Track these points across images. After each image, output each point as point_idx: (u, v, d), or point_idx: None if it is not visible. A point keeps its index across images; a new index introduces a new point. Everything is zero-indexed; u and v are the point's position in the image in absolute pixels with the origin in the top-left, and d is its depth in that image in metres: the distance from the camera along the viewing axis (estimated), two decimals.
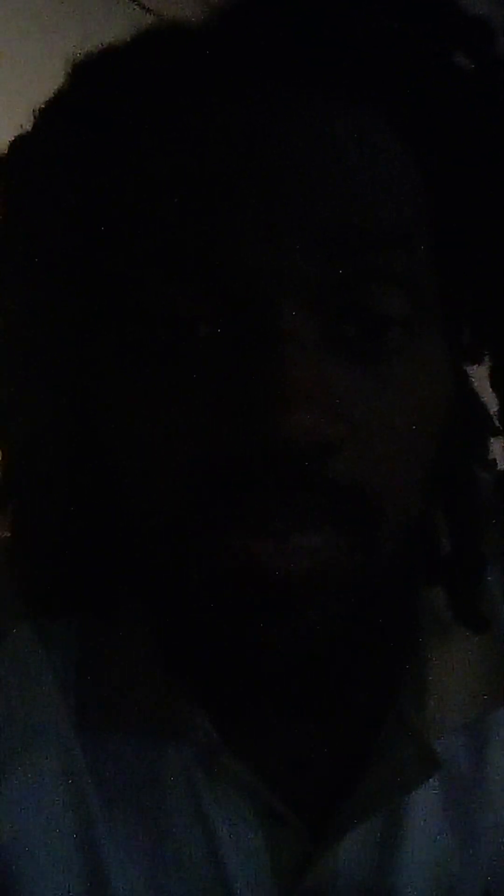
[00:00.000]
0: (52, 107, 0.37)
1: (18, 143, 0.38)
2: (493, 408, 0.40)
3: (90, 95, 0.36)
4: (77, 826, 0.39)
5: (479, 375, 0.40)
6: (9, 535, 0.40)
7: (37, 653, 0.41)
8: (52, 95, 0.37)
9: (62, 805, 0.39)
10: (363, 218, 0.33)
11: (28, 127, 0.37)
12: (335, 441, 0.32)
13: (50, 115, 0.37)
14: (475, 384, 0.41)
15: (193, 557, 0.33)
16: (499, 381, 0.39)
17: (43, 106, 0.37)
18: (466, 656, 0.42)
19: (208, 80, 0.34)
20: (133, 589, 0.39)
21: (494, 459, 0.41)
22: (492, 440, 0.41)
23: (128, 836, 0.40)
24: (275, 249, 0.32)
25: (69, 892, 0.39)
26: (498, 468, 0.41)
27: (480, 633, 0.40)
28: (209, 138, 0.33)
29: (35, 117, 0.37)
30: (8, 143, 0.38)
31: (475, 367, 0.40)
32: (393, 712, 0.40)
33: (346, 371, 0.33)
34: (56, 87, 0.37)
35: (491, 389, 0.40)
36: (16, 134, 0.38)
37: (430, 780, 0.40)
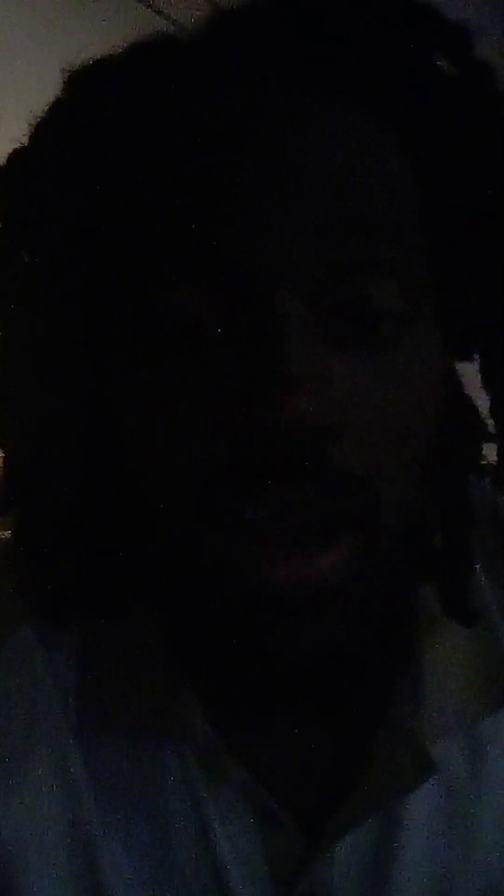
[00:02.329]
0: (50, 112, 0.37)
1: (17, 151, 0.38)
2: (485, 409, 0.40)
3: (86, 99, 0.36)
4: (73, 828, 0.39)
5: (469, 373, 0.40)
6: (10, 537, 0.40)
7: (37, 655, 0.41)
8: (51, 102, 0.37)
9: (58, 807, 0.39)
10: (358, 209, 0.33)
11: (26, 135, 0.38)
12: (335, 427, 0.32)
13: (48, 121, 0.37)
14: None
15: (205, 564, 0.33)
16: (490, 380, 0.39)
17: (41, 114, 0.37)
18: (462, 660, 0.42)
19: (204, 77, 0.35)
20: (138, 591, 0.39)
21: (487, 462, 0.41)
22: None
23: (124, 837, 0.40)
24: (272, 240, 0.32)
25: (65, 894, 0.39)
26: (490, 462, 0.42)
27: (469, 626, 0.40)
28: (206, 134, 0.34)
29: (33, 127, 0.37)
30: (12, 144, 0.38)
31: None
32: (389, 716, 0.40)
33: (343, 361, 0.33)
34: (59, 89, 0.37)
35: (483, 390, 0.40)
36: (20, 134, 0.38)
37: (427, 783, 0.40)
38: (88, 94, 0.36)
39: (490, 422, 0.40)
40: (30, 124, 0.37)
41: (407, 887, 0.40)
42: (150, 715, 0.39)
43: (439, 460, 0.37)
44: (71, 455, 0.37)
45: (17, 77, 1.16)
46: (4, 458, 0.39)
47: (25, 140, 0.38)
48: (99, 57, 0.37)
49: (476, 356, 0.39)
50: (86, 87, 0.37)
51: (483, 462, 0.41)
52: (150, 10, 1.41)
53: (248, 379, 0.32)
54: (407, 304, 0.34)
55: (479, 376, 0.39)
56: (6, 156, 0.38)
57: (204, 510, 0.33)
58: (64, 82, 0.37)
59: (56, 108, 0.37)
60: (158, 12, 1.40)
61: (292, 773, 0.41)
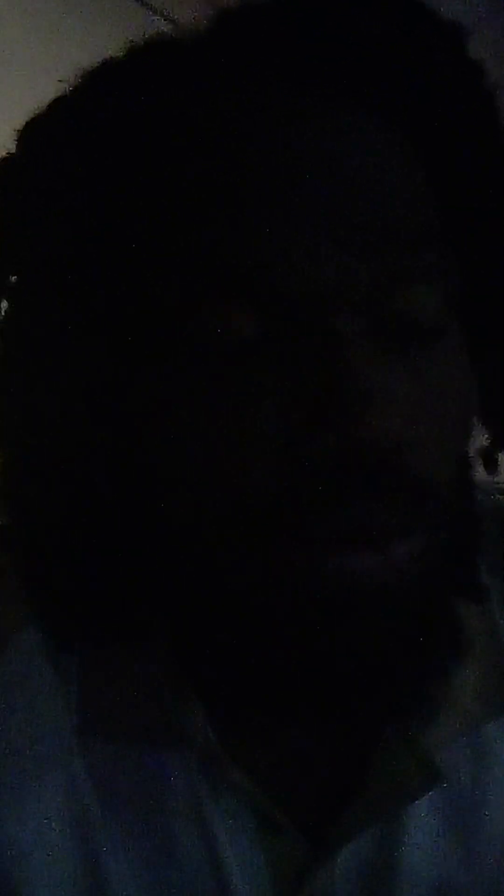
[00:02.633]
0: (64, 116, 0.37)
1: (6, 158, 0.38)
2: None
3: (99, 103, 0.36)
4: (77, 834, 0.39)
5: None
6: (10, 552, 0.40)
7: (40, 659, 0.41)
8: (66, 103, 0.37)
9: (61, 812, 0.39)
10: (400, 219, 0.34)
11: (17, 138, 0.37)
12: (406, 438, 0.32)
13: (61, 126, 0.37)
14: None
15: (274, 573, 0.33)
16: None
17: (55, 112, 0.37)
18: (466, 665, 0.41)
19: (220, 87, 0.35)
20: (146, 603, 0.39)
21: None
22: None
23: (128, 843, 0.39)
24: (323, 257, 0.32)
25: None
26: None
27: (478, 603, 0.40)
28: (251, 148, 0.34)
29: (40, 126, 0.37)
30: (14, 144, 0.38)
31: None
32: (393, 722, 0.40)
33: (394, 371, 0.33)
34: (63, 90, 0.37)
35: None
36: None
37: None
38: (99, 99, 0.36)
39: None
40: (34, 123, 0.37)
41: (409, 893, 0.40)
42: (153, 721, 0.39)
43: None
44: (83, 483, 0.37)
45: (16, 78, 1.16)
46: (4, 473, 0.39)
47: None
48: (106, 58, 0.37)
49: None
50: (97, 90, 0.36)
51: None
52: (149, 10, 1.41)
53: (318, 398, 0.32)
54: (444, 308, 0.35)
55: None
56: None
57: (274, 528, 0.33)
58: (76, 84, 0.37)
59: (67, 109, 0.37)
60: (157, 12, 1.40)
61: (295, 780, 0.41)
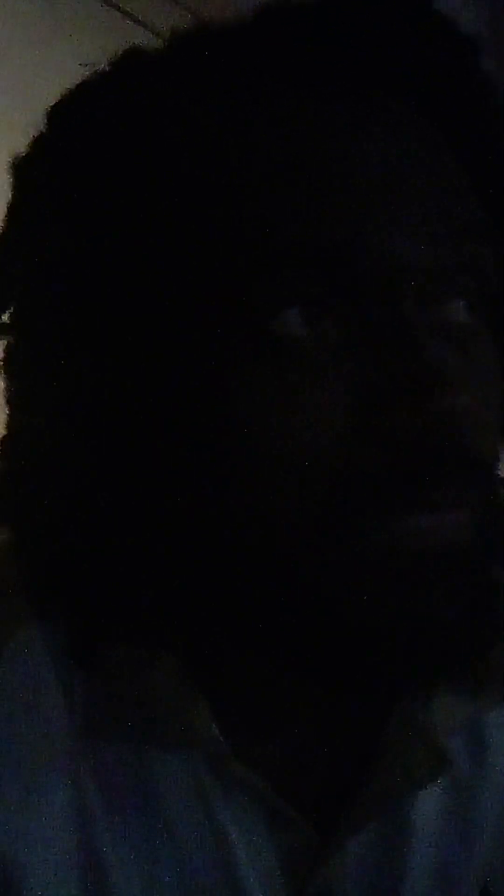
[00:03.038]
0: (98, 105, 0.37)
1: (44, 148, 0.38)
2: None
3: (160, 97, 0.36)
4: (80, 835, 0.39)
5: None
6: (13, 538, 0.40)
7: (42, 656, 0.40)
8: (96, 92, 0.37)
9: (64, 814, 0.39)
10: (459, 210, 0.36)
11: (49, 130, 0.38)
12: (471, 417, 0.33)
13: (98, 120, 0.37)
14: None
15: (344, 545, 0.33)
16: None
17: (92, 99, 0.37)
18: None
19: (253, 81, 0.36)
20: (155, 598, 0.38)
21: None
22: None
23: (132, 844, 0.39)
24: (395, 247, 0.34)
25: None
26: None
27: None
28: (327, 138, 0.35)
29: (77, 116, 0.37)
30: (25, 145, 0.38)
31: None
32: (400, 711, 0.40)
33: (454, 355, 0.35)
34: (57, 94, 0.37)
35: None
36: (18, 139, 0.38)
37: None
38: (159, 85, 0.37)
39: None
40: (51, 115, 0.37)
41: (417, 881, 0.41)
42: (157, 721, 0.39)
43: None
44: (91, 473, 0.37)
45: (11, 86, 1.16)
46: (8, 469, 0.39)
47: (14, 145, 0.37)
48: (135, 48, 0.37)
49: None
50: (151, 77, 0.37)
51: None
52: (134, 22, 1.42)
53: (392, 376, 0.33)
54: (487, 299, 0.36)
55: None
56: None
57: (344, 503, 0.33)
58: (121, 68, 0.37)
59: (99, 97, 0.37)
60: (138, 21, 1.41)
61: (301, 773, 0.41)
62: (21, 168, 0.39)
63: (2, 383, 0.40)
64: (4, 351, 0.39)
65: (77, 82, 0.38)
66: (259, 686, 0.37)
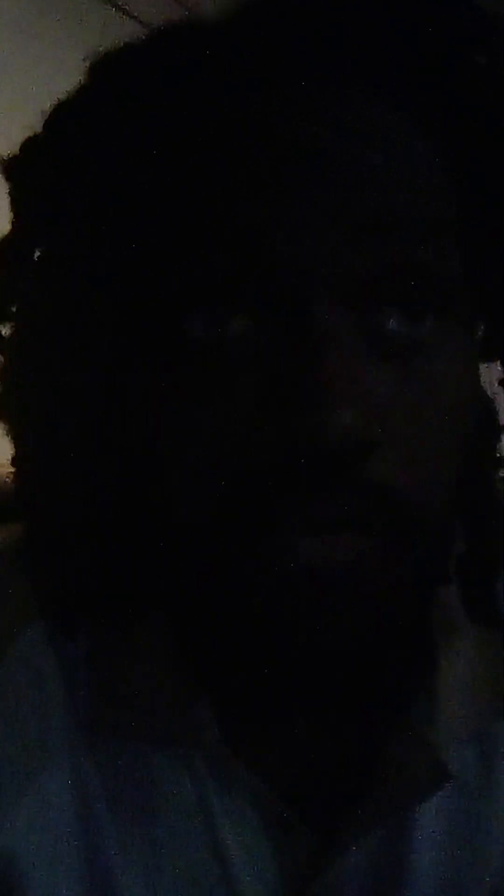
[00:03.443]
0: (73, 106, 0.37)
1: (32, 144, 0.37)
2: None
3: (114, 93, 0.36)
4: (82, 830, 0.39)
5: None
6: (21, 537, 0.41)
7: (48, 655, 0.41)
8: (72, 94, 0.37)
9: (67, 808, 0.39)
10: (398, 211, 0.33)
11: (40, 127, 0.37)
12: (373, 440, 0.32)
13: (69, 115, 0.37)
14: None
15: (238, 558, 0.33)
16: None
17: (61, 105, 0.37)
18: (476, 664, 0.41)
19: (232, 74, 0.34)
20: (149, 597, 0.38)
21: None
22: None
23: (134, 841, 0.39)
24: (311, 246, 0.32)
25: None
26: None
27: (494, 627, 0.40)
28: (243, 134, 0.33)
29: (52, 117, 0.37)
30: (19, 143, 0.38)
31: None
32: (403, 720, 0.40)
33: (381, 367, 0.33)
34: (60, 91, 0.37)
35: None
36: (19, 137, 0.37)
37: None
38: (114, 81, 0.36)
39: None
40: (47, 110, 0.36)
41: (421, 889, 0.40)
42: (160, 719, 0.39)
43: (467, 461, 0.37)
44: (86, 461, 0.37)
45: (9, 84, 1.16)
46: (15, 463, 0.39)
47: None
48: (124, 43, 0.36)
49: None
50: (111, 74, 0.36)
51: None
52: (118, 12, 1.41)
53: (288, 391, 0.31)
54: (443, 304, 0.34)
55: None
56: None
57: (239, 512, 0.33)
58: (87, 70, 0.36)
59: (81, 94, 0.37)
60: (128, 15, 1.40)
61: (303, 778, 0.40)
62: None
63: None
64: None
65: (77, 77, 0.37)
66: (253, 686, 0.37)
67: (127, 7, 1.41)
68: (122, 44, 0.36)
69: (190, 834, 0.39)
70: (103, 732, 0.39)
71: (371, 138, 0.34)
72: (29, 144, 0.37)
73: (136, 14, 1.40)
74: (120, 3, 1.42)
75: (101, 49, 0.36)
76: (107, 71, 0.36)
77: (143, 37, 0.36)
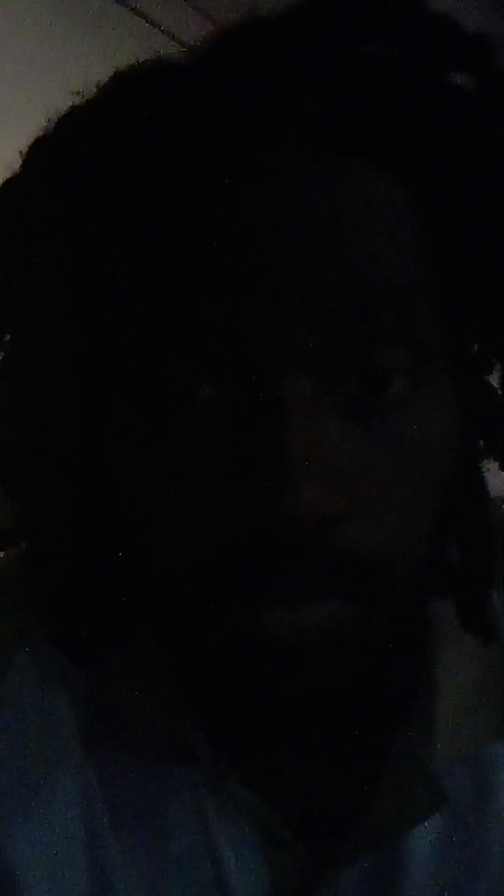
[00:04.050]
0: (36, 153, 0.37)
1: (3, 187, 0.37)
2: None
3: (73, 142, 0.36)
4: (86, 843, 0.39)
5: None
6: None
7: (52, 668, 0.41)
8: (35, 141, 0.37)
9: (72, 821, 0.39)
10: (363, 281, 0.32)
11: (13, 169, 0.37)
12: (342, 512, 0.31)
13: (35, 161, 0.37)
14: None
15: (206, 623, 0.33)
16: None
17: (27, 151, 0.37)
18: (473, 684, 0.41)
19: (192, 124, 0.33)
20: (147, 625, 0.39)
21: None
22: None
23: (135, 855, 0.39)
24: (276, 318, 0.31)
25: None
26: None
27: (489, 641, 0.39)
28: (200, 195, 0.33)
29: (21, 162, 0.37)
30: (12, 153, 0.38)
31: None
32: (399, 742, 0.40)
33: (350, 432, 0.32)
34: (64, 101, 0.37)
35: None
36: (20, 145, 0.37)
37: None
38: (76, 131, 0.36)
39: None
40: (19, 155, 0.37)
41: None
42: (158, 736, 0.39)
43: (457, 487, 0.37)
44: (75, 498, 0.37)
45: (14, 90, 1.16)
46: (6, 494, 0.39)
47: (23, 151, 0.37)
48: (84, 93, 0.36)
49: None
50: (73, 123, 0.36)
51: None
52: (147, 23, 1.42)
53: (251, 463, 0.31)
54: (415, 363, 0.33)
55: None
56: (6, 166, 0.37)
57: (200, 575, 0.33)
58: (54, 117, 0.36)
59: (43, 144, 0.36)
60: (156, 26, 1.41)
61: (300, 797, 0.40)
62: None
63: None
64: None
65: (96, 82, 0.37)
66: (251, 719, 0.37)
67: (144, 11, 1.41)
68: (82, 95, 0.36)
69: (186, 849, 0.39)
70: (103, 748, 0.40)
71: (341, 199, 0.32)
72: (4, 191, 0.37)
73: (153, 18, 1.40)
74: (138, 7, 1.42)
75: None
76: (70, 123, 0.36)
77: (116, 67, 0.36)
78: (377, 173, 0.33)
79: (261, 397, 0.31)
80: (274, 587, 0.32)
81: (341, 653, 0.33)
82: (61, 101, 0.37)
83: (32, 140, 0.37)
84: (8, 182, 0.37)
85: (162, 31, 1.37)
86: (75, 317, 0.35)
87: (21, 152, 0.37)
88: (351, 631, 0.33)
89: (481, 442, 0.39)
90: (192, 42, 0.36)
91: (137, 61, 0.36)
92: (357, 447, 0.32)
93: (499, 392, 0.40)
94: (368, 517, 0.32)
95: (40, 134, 0.37)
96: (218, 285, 0.32)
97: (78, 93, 0.36)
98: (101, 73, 0.36)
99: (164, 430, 0.33)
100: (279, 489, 0.30)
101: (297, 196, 0.32)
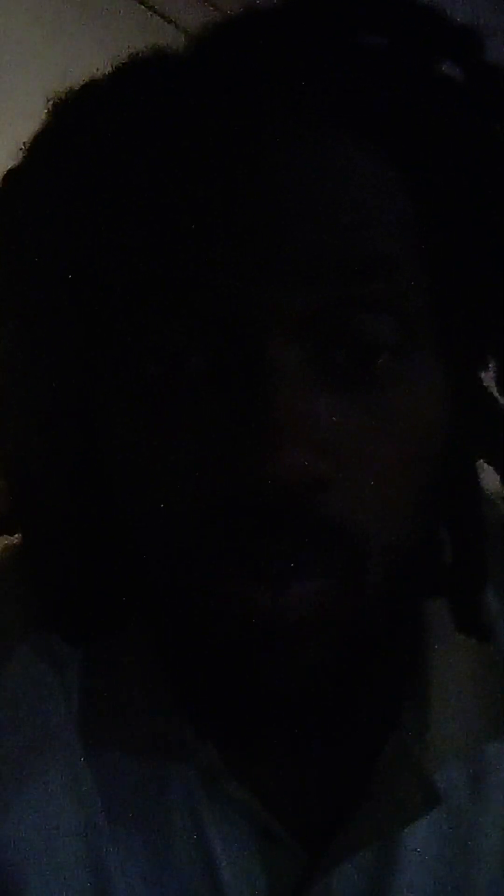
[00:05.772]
0: (38, 142, 0.37)
1: (6, 177, 0.38)
2: None
3: (74, 130, 0.36)
4: (83, 839, 0.39)
5: None
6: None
7: (48, 663, 0.41)
8: (37, 131, 0.37)
9: (68, 816, 0.39)
10: (351, 246, 0.32)
11: (18, 159, 0.38)
12: (325, 478, 0.31)
13: (36, 150, 0.37)
14: None
15: (194, 599, 0.33)
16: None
17: (29, 141, 0.37)
18: (468, 683, 0.41)
19: (189, 110, 0.34)
20: (140, 613, 0.39)
21: None
22: None
23: (130, 852, 0.39)
24: (262, 282, 0.32)
25: None
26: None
27: (483, 640, 0.39)
28: (194, 170, 0.33)
29: (23, 152, 0.37)
30: (17, 146, 0.38)
31: None
32: (393, 739, 0.40)
33: (336, 402, 0.32)
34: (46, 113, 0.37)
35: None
36: (23, 137, 0.38)
37: None
38: (75, 118, 0.36)
39: None
40: (21, 147, 0.37)
41: None
42: (152, 733, 0.39)
43: (447, 479, 0.37)
44: (68, 480, 0.37)
45: (19, 80, 1.16)
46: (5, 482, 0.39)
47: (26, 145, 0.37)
48: (87, 80, 0.36)
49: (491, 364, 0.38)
50: (72, 111, 0.36)
51: None
52: (152, 12, 1.41)
53: (237, 428, 0.31)
54: (402, 336, 0.34)
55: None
56: (11, 156, 0.38)
57: (189, 548, 0.33)
58: (51, 106, 0.37)
59: (44, 132, 0.37)
60: (160, 15, 1.40)
61: (294, 793, 0.40)
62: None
63: None
64: None
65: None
66: (243, 708, 0.37)
67: (149, 0, 1.41)
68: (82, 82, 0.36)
69: (181, 845, 0.39)
70: (98, 744, 0.40)
71: (327, 168, 0.33)
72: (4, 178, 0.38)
73: (162, 11, 1.40)
74: (154, 4, 1.41)
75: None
76: (66, 109, 0.36)
77: (118, 56, 0.36)
78: (370, 154, 0.34)
79: (248, 364, 0.32)
80: (258, 563, 0.32)
81: (325, 632, 0.33)
82: (57, 88, 0.37)
83: (35, 131, 0.37)
84: (11, 172, 0.38)
85: (167, 20, 1.36)
86: (69, 293, 0.35)
87: (24, 143, 0.37)
88: (334, 610, 0.33)
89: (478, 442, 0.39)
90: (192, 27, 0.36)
91: (137, 52, 0.36)
92: (342, 416, 0.32)
93: (494, 395, 0.40)
94: (351, 485, 0.32)
95: (42, 126, 0.37)
96: (206, 250, 0.32)
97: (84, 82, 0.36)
98: (105, 62, 0.36)
99: (154, 402, 0.34)
100: (264, 452, 0.30)
101: (287, 168, 0.32)
